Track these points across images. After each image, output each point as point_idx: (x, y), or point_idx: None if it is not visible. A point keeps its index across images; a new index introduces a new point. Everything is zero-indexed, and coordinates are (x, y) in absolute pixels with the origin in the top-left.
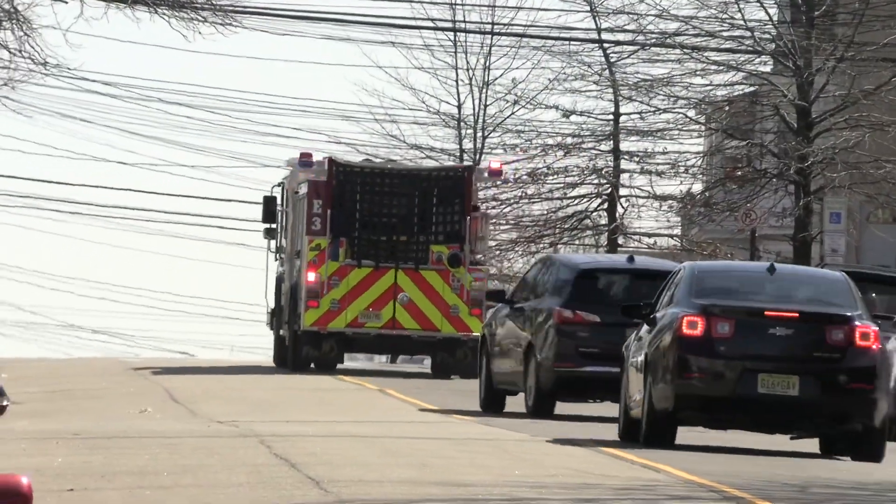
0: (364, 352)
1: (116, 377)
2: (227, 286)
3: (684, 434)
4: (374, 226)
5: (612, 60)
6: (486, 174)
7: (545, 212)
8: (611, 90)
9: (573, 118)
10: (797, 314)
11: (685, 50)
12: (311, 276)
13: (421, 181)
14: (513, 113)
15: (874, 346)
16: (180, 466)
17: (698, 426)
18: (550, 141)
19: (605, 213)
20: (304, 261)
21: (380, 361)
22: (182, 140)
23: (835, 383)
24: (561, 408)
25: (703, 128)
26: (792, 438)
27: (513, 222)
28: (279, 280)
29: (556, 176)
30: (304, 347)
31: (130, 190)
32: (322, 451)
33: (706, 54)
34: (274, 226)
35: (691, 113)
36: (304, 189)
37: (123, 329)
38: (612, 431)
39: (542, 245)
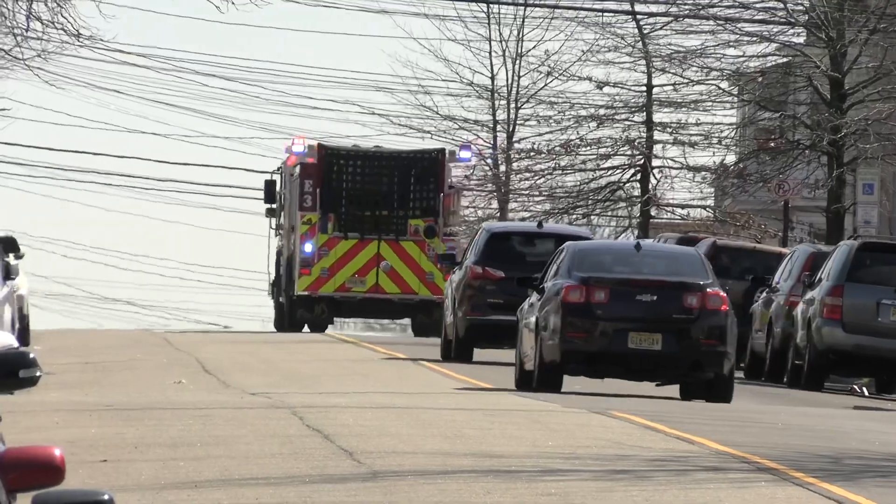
0: (352, 315)
1: (149, 348)
2: (260, 258)
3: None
4: (358, 202)
5: (645, 32)
6: (457, 156)
7: (578, 183)
8: (644, 61)
9: (606, 89)
10: (659, 283)
11: (718, 21)
12: (304, 247)
13: (400, 163)
14: (546, 84)
15: (723, 309)
16: (213, 438)
17: (581, 376)
18: (583, 112)
19: (638, 185)
20: (298, 234)
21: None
22: (216, 111)
23: (690, 340)
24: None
25: (735, 99)
26: (657, 385)
27: (546, 194)
28: (279, 253)
29: (589, 147)
30: (298, 310)
31: (163, 161)
32: (355, 423)
33: (739, 25)
34: (274, 206)
35: (724, 84)
36: (297, 171)
37: (156, 300)
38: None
39: (574, 216)
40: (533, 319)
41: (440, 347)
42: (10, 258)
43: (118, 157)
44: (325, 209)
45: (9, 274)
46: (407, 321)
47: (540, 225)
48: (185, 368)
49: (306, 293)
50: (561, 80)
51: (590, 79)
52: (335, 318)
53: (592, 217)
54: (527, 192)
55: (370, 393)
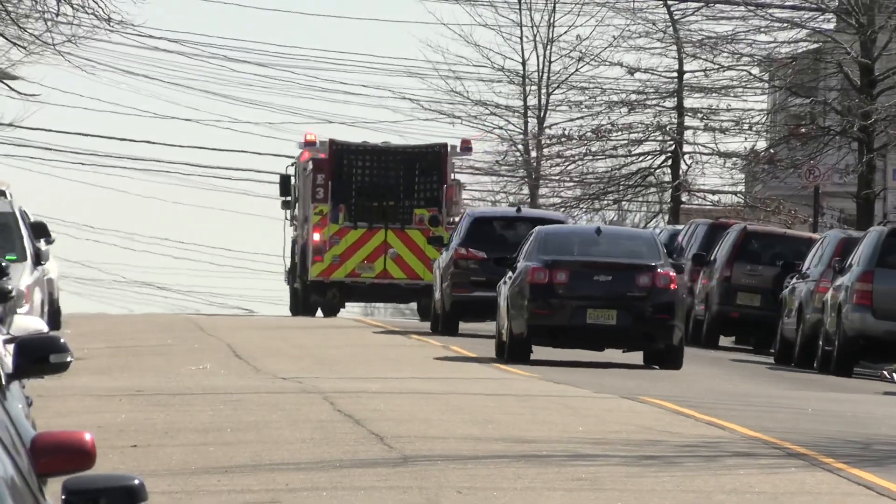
0: (362, 299)
1: (179, 333)
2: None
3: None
4: (367, 194)
5: (676, 18)
6: (458, 150)
7: (609, 169)
8: (675, 47)
9: (637, 75)
10: (614, 265)
11: (749, 7)
12: (316, 236)
13: (405, 157)
14: (577, 70)
15: (672, 287)
16: (244, 423)
17: (546, 347)
18: (615, 98)
19: (669, 170)
20: (311, 224)
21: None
22: (247, 97)
23: (643, 315)
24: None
25: (766, 85)
26: (624, 352)
27: (577, 179)
28: (294, 243)
29: (619, 133)
30: (311, 295)
31: (195, 147)
32: (386, 408)
33: (770, 11)
34: (289, 198)
35: (755, 70)
36: (310, 166)
37: (186, 285)
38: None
39: (605, 202)
40: (505, 297)
41: (430, 322)
42: (41, 243)
43: (149, 142)
44: (336, 200)
45: (39, 259)
46: (413, 305)
47: (518, 210)
48: (216, 353)
49: (319, 279)
50: (592, 66)
51: (621, 64)
52: (346, 303)
53: (623, 203)
54: (557, 177)
55: (401, 378)
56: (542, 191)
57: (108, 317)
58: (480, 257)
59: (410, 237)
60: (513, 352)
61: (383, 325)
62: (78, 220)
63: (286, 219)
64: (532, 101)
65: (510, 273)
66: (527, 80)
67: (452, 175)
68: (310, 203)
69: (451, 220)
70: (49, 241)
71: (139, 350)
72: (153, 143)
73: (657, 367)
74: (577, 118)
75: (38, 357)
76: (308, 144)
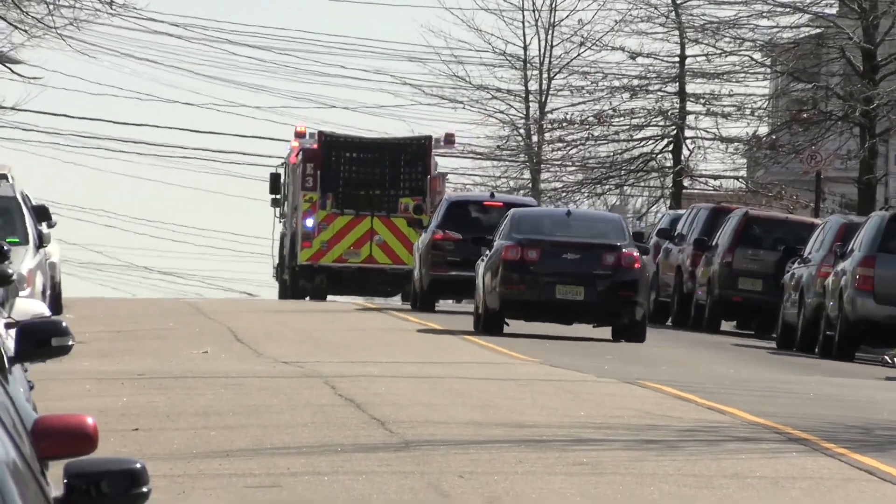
0: (349, 283)
1: (181, 317)
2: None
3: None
4: (354, 183)
5: (678, 2)
6: (442, 143)
7: (610, 154)
8: (677, 32)
9: (639, 60)
10: (582, 244)
11: None
12: (306, 223)
13: (391, 148)
14: (579, 54)
15: (636, 266)
16: (245, 407)
17: (518, 320)
18: (616, 83)
19: (671, 155)
20: (300, 211)
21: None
22: (248, 81)
23: (608, 291)
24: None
25: (768, 70)
26: (594, 327)
27: (579, 164)
28: (282, 238)
29: (621, 118)
30: (300, 280)
31: (196, 130)
32: (387, 392)
33: None
34: (278, 196)
35: (757, 55)
36: (300, 156)
37: (186, 269)
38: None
39: (607, 187)
40: (481, 273)
41: (410, 300)
42: (43, 227)
43: (151, 125)
44: (324, 189)
45: (41, 242)
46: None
47: (492, 195)
48: (218, 337)
49: (308, 263)
50: (594, 51)
51: (623, 49)
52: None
53: (625, 188)
54: (559, 162)
55: (402, 363)
56: (543, 175)
57: (110, 300)
58: (456, 238)
59: (395, 224)
60: (487, 324)
61: (364, 305)
62: (79, 204)
63: (275, 216)
64: (533, 85)
65: (487, 251)
66: (528, 64)
67: (436, 165)
68: (300, 191)
69: (435, 208)
70: (50, 225)
71: (140, 334)
72: (154, 126)
73: (623, 340)
74: (579, 103)
75: (40, 340)
76: (298, 136)
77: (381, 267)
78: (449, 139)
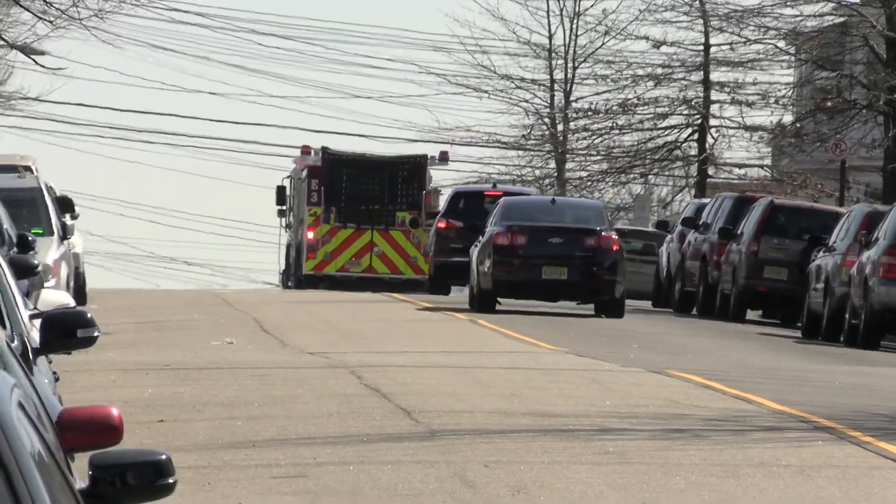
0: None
1: (206, 308)
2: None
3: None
4: (355, 198)
5: None
6: (437, 160)
7: (635, 143)
8: (701, 21)
9: (663, 49)
10: (566, 229)
11: None
12: (310, 235)
13: (390, 166)
14: (603, 44)
15: (614, 248)
16: (270, 397)
17: (508, 299)
18: (641, 72)
19: (695, 144)
20: (305, 224)
21: None
22: (274, 70)
23: (589, 272)
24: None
25: (792, 58)
26: (577, 304)
27: (603, 153)
28: (288, 247)
29: (646, 106)
30: (305, 288)
31: (221, 121)
32: (412, 382)
33: None
34: (284, 207)
35: (781, 44)
36: (304, 173)
37: (211, 259)
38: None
39: (632, 175)
40: (475, 257)
41: (426, 284)
42: (67, 218)
43: (175, 116)
44: (328, 203)
45: (65, 234)
46: None
47: (494, 185)
48: (243, 328)
49: (312, 272)
50: (618, 40)
51: (647, 38)
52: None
53: (650, 177)
54: (584, 151)
55: (428, 352)
56: (568, 165)
57: (134, 291)
58: (459, 227)
59: (393, 237)
60: (481, 303)
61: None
62: (103, 195)
63: (281, 226)
64: (558, 74)
65: (480, 237)
66: (553, 53)
67: (431, 181)
68: (305, 206)
69: (430, 222)
70: (74, 216)
71: (165, 325)
72: (179, 116)
73: (604, 315)
74: (604, 92)
75: (66, 332)
76: (304, 153)
77: (381, 276)
78: (443, 156)
